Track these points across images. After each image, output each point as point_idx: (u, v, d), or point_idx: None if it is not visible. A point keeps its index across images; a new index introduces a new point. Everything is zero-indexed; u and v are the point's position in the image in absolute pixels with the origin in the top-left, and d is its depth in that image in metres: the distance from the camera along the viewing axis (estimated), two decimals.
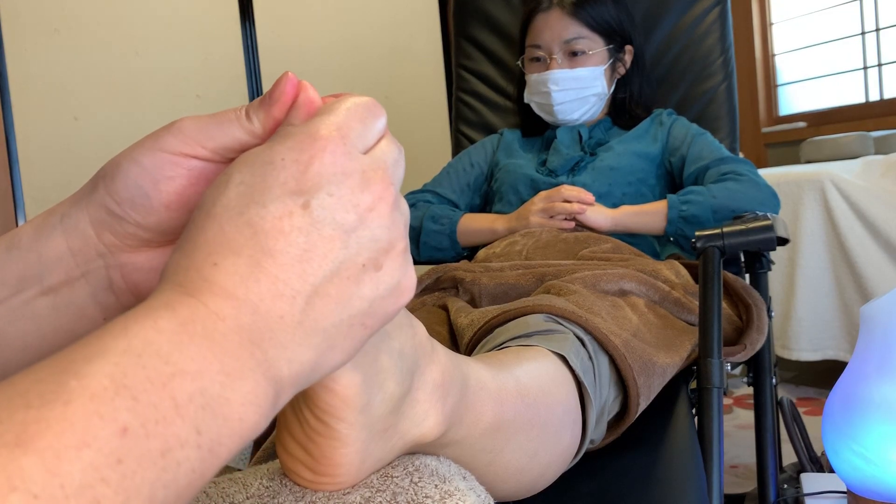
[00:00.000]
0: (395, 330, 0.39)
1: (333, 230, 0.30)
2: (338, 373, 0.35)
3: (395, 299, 0.32)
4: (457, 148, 1.67)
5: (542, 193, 1.21)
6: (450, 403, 0.42)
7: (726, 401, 2.06)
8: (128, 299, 0.40)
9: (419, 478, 0.38)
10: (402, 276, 0.32)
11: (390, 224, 0.32)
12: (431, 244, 1.31)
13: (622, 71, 1.36)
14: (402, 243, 0.33)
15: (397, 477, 0.38)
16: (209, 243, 0.29)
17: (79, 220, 0.38)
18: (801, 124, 2.82)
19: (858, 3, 2.71)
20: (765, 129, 2.94)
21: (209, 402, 0.26)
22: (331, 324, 0.30)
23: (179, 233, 0.38)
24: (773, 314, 1.13)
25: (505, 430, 0.47)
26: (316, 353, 0.30)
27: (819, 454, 1.07)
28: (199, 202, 0.32)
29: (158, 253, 0.39)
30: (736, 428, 1.86)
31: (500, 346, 0.67)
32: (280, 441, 0.39)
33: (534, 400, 0.51)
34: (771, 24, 2.95)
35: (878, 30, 2.69)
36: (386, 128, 0.35)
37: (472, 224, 1.29)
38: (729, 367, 0.91)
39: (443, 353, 0.43)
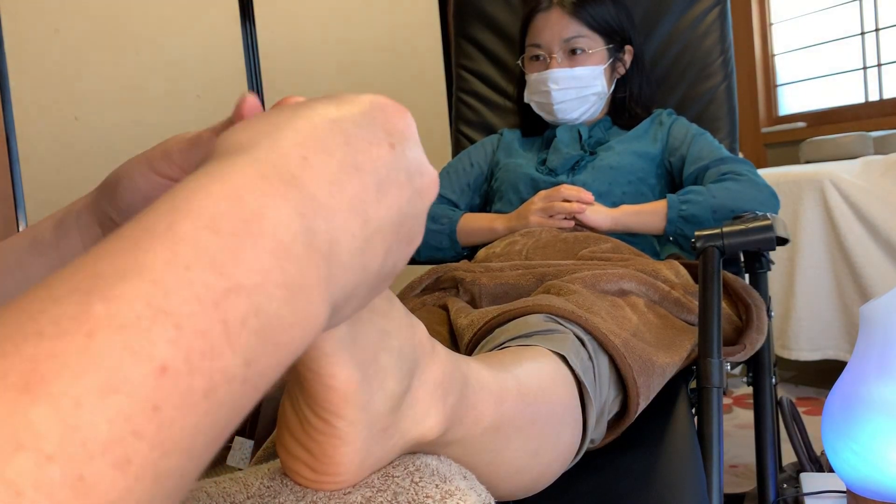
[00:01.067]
0: (395, 329, 0.39)
1: (407, 179, 0.31)
2: (338, 370, 0.35)
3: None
4: (457, 148, 1.67)
5: (542, 193, 1.21)
6: (450, 403, 0.42)
7: (726, 400, 2.06)
8: None
9: (420, 477, 0.38)
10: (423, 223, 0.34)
11: (427, 207, 0.33)
12: (431, 244, 1.31)
13: (622, 71, 1.36)
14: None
15: (398, 477, 0.38)
16: (299, 133, 0.27)
17: (90, 220, 0.40)
18: (801, 124, 2.82)
19: (858, 3, 2.71)
20: (764, 130, 2.94)
21: (263, 326, 0.22)
22: (375, 269, 0.30)
23: None
24: (772, 314, 1.13)
25: (505, 429, 0.47)
26: (354, 285, 0.29)
27: (819, 454, 1.08)
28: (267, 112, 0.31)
29: None
30: (736, 427, 1.86)
31: (500, 347, 0.67)
32: (280, 440, 0.39)
33: (534, 399, 0.51)
34: (771, 24, 2.95)
35: (877, 30, 2.69)
36: None
37: (472, 223, 1.29)
38: (729, 367, 0.91)
39: (443, 353, 0.43)
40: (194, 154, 0.38)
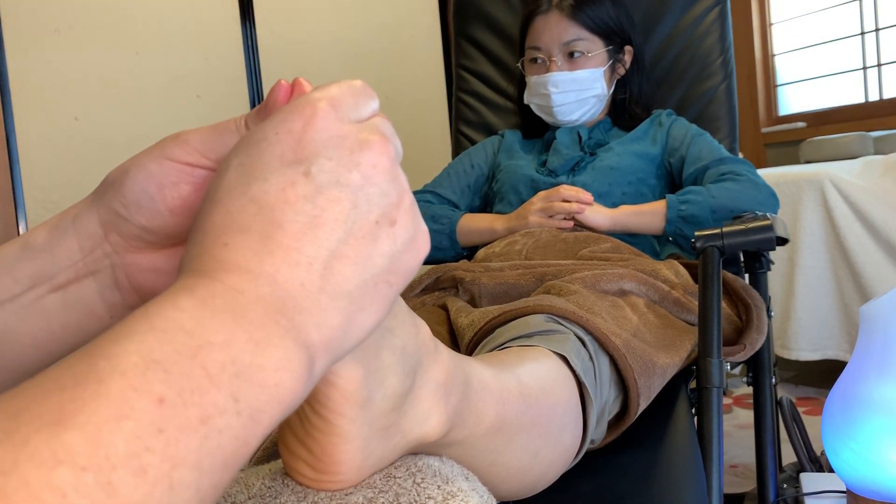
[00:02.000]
0: (398, 327, 0.39)
1: (340, 192, 0.30)
2: (338, 366, 0.35)
3: (414, 253, 0.32)
4: (457, 148, 1.67)
5: (541, 193, 1.21)
6: (452, 403, 0.42)
7: (726, 400, 2.06)
8: (132, 298, 0.41)
9: (422, 478, 0.38)
10: (417, 228, 0.33)
11: (396, 177, 0.32)
12: (431, 244, 1.31)
13: (622, 72, 1.36)
14: (410, 196, 0.33)
15: (400, 477, 0.38)
16: (217, 227, 0.30)
17: (89, 221, 0.39)
18: (801, 124, 2.82)
19: (858, 3, 2.71)
20: (764, 130, 2.94)
21: (242, 371, 0.26)
22: (355, 286, 0.30)
23: (183, 236, 0.39)
24: (772, 314, 1.13)
25: (507, 429, 0.47)
26: (344, 317, 0.29)
27: (819, 454, 1.08)
28: (205, 193, 0.32)
29: (161, 255, 0.40)
30: (736, 428, 1.86)
31: (500, 347, 0.67)
32: (282, 439, 0.39)
33: (535, 400, 0.51)
34: (771, 24, 2.95)
35: (877, 30, 2.69)
36: (378, 110, 0.35)
37: (472, 224, 1.30)
38: (729, 367, 0.91)
39: (446, 353, 0.43)
40: (215, 141, 0.38)
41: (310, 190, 0.30)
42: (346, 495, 0.37)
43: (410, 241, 0.32)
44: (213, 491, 0.24)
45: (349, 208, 0.30)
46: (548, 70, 1.31)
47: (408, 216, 0.32)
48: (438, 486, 0.38)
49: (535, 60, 1.34)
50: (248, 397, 0.25)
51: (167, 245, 0.40)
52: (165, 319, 0.26)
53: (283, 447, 0.39)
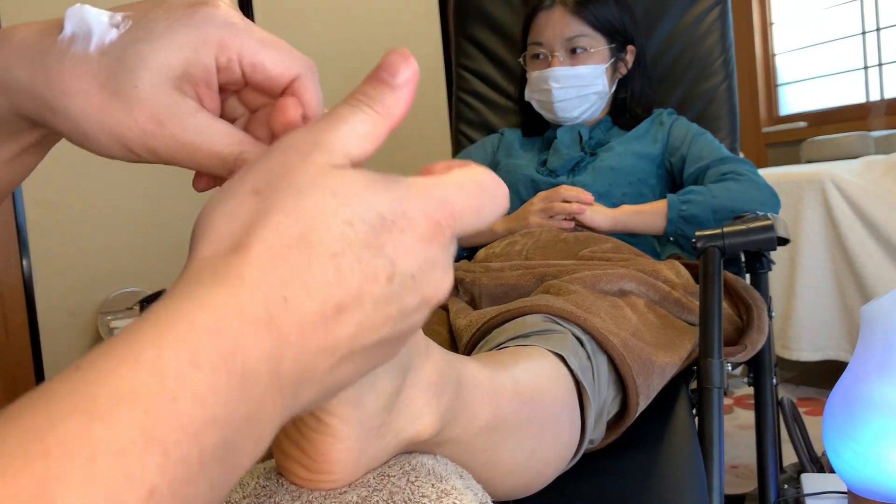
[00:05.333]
0: None
1: (398, 310, 0.29)
2: None
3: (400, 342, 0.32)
4: (457, 148, 1.67)
5: (542, 194, 1.21)
6: (445, 401, 0.42)
7: (727, 401, 2.06)
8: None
9: (416, 477, 0.38)
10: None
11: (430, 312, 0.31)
12: None
13: (623, 71, 1.36)
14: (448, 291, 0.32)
15: (394, 476, 0.38)
16: (289, 268, 0.27)
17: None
18: (802, 124, 2.81)
19: (858, 3, 2.71)
20: (765, 129, 2.93)
21: (226, 455, 0.25)
22: (345, 380, 0.30)
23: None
24: (773, 314, 1.13)
25: (501, 428, 0.47)
26: (321, 395, 0.30)
27: (819, 454, 1.07)
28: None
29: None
30: (736, 428, 1.85)
31: (498, 347, 0.67)
32: (275, 440, 0.39)
33: (531, 398, 0.51)
34: (771, 23, 2.95)
35: (878, 30, 2.68)
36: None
37: None
38: (729, 367, 0.91)
39: (437, 352, 0.42)
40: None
41: (380, 295, 0.28)
42: (340, 494, 0.37)
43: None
44: None
45: (391, 325, 0.29)
46: (549, 65, 1.31)
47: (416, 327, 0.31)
48: (433, 485, 0.38)
49: (536, 56, 1.34)
50: (221, 486, 0.25)
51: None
52: (180, 382, 0.24)
53: (276, 448, 0.39)
